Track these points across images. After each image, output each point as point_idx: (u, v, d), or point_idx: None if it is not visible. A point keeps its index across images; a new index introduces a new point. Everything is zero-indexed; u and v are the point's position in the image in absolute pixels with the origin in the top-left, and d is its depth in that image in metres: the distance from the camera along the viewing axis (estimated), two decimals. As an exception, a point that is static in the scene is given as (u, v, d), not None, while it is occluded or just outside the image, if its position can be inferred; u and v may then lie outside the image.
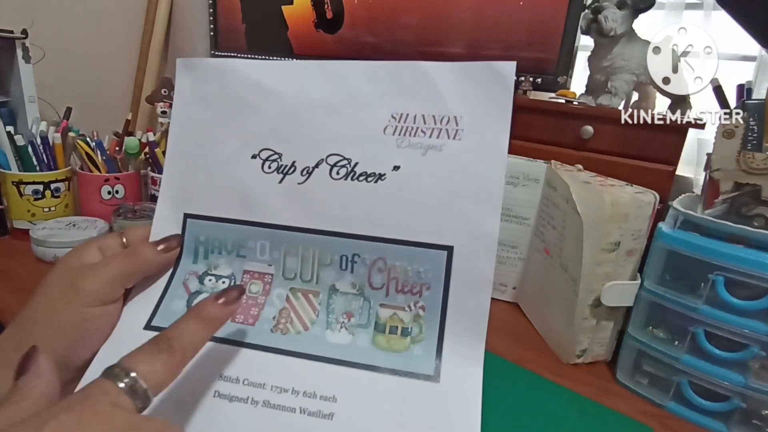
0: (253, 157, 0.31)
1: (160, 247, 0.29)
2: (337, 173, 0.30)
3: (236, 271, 0.30)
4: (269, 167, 0.31)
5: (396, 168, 0.29)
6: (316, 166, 0.30)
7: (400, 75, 0.30)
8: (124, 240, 0.31)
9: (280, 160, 0.31)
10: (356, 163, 0.30)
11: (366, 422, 0.25)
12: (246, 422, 0.25)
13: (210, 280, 0.30)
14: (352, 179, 0.30)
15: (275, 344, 0.28)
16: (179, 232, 0.31)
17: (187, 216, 0.31)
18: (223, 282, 0.30)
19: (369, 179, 0.29)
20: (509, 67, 0.28)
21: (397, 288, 0.29)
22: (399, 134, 0.30)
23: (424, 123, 0.29)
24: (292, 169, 0.31)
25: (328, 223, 0.30)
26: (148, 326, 0.29)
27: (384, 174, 0.29)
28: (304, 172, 0.30)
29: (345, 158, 0.30)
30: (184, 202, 0.32)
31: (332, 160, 0.30)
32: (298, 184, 0.30)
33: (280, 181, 0.30)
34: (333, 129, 0.30)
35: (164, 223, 0.31)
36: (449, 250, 0.28)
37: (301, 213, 0.30)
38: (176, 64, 0.34)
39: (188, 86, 0.33)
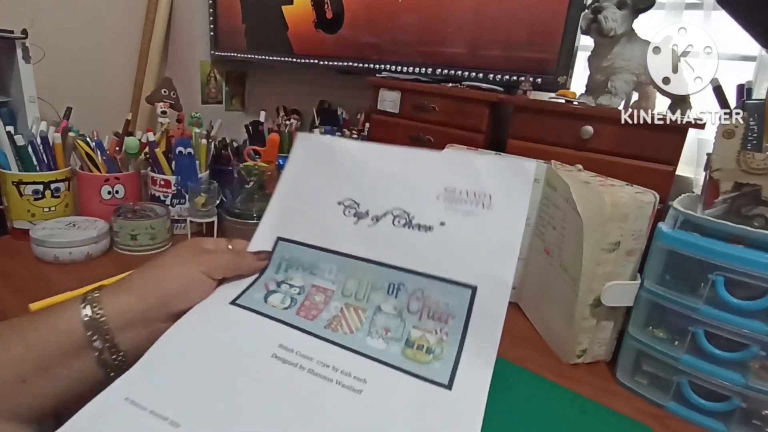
0: (339, 203, 0.42)
1: (256, 256, 0.41)
2: (398, 222, 0.40)
3: (306, 285, 0.39)
4: (349, 212, 0.41)
5: (442, 224, 0.39)
6: (384, 215, 0.40)
7: (455, 162, 0.41)
8: (230, 246, 0.42)
9: (358, 208, 0.41)
10: (413, 217, 0.39)
11: (387, 402, 0.31)
12: (292, 380, 0.31)
13: (284, 286, 0.39)
14: (408, 228, 0.39)
15: (326, 336, 0.35)
16: (270, 250, 0.41)
17: (279, 239, 0.42)
18: (295, 290, 0.39)
19: (421, 229, 0.39)
20: (532, 165, 0.38)
21: (428, 314, 0.36)
22: (447, 201, 0.39)
23: (467, 196, 0.39)
24: (366, 215, 0.41)
25: (385, 257, 0.38)
26: (233, 302, 0.37)
27: (432, 227, 0.39)
28: (374, 219, 0.40)
29: (406, 213, 0.40)
30: (279, 228, 0.43)
31: (396, 212, 0.40)
32: (368, 226, 0.40)
33: (355, 223, 0.41)
34: (401, 192, 0.41)
35: (262, 240, 0.42)
36: (473, 289, 0.36)
37: (367, 247, 0.39)
38: (297, 136, 0.47)
39: (302, 150, 0.46)
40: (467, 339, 0.34)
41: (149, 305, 0.35)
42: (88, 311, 0.33)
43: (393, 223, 0.40)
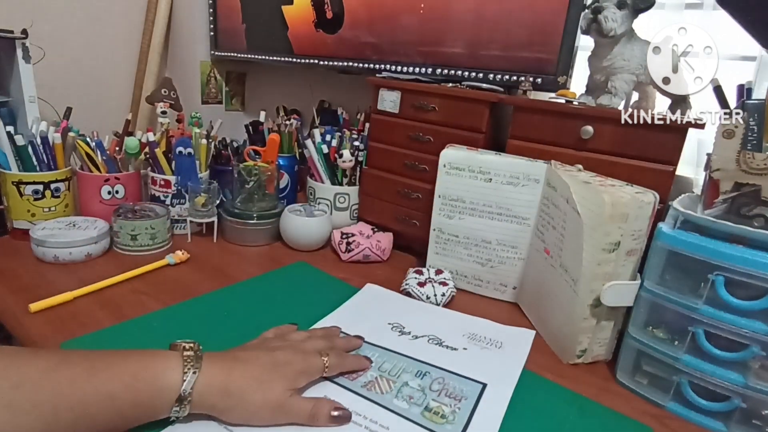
0: (389, 324, 0.57)
1: (336, 413, 0.41)
2: (431, 342, 0.54)
3: None
4: (395, 330, 0.56)
5: (465, 349, 0.53)
6: (422, 336, 0.55)
7: (479, 323, 0.60)
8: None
9: (403, 329, 0.56)
10: (444, 341, 0.54)
11: None
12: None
13: None
14: (439, 347, 0.53)
15: (362, 392, 0.44)
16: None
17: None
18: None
19: (448, 348, 0.53)
20: (532, 333, 0.58)
21: (446, 394, 0.45)
22: (470, 339, 0.55)
23: (485, 339, 0.56)
24: (408, 334, 0.55)
25: (418, 356, 0.50)
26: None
27: (457, 348, 0.53)
28: (413, 337, 0.55)
29: (439, 338, 0.55)
30: (342, 326, 0.55)
31: (431, 336, 0.55)
32: (408, 340, 0.54)
33: (398, 336, 0.54)
34: (438, 328, 0.57)
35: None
36: (484, 385, 0.46)
37: (404, 348, 0.52)
38: (366, 287, 0.66)
39: (367, 292, 0.65)
40: (476, 414, 0.42)
41: (228, 408, 0.38)
42: (187, 385, 0.36)
43: (428, 341, 0.54)
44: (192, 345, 0.39)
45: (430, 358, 0.50)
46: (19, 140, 0.69)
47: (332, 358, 0.45)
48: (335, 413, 0.40)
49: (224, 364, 0.39)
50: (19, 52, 0.90)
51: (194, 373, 0.37)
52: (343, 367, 0.46)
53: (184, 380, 0.36)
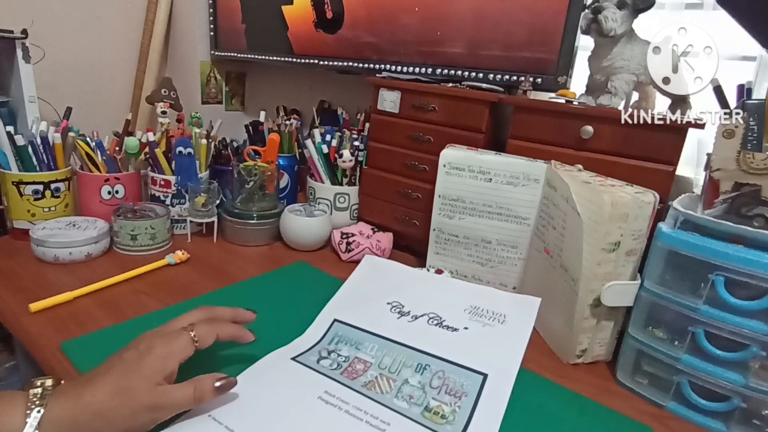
0: (388, 303, 0.54)
1: (218, 383, 0.39)
2: (431, 322, 0.51)
3: (351, 356, 0.49)
4: (394, 310, 0.53)
5: (465, 328, 0.50)
6: (421, 316, 0.52)
7: (482, 291, 0.55)
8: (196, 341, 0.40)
9: (402, 309, 0.54)
10: (444, 320, 0.51)
11: None
12: (331, 416, 0.40)
13: (333, 355, 0.49)
14: (439, 327, 0.51)
15: (362, 390, 0.44)
16: (327, 328, 0.52)
17: (335, 320, 0.53)
18: (342, 358, 0.48)
19: (449, 329, 0.50)
20: (537, 300, 0.51)
21: (446, 391, 0.44)
22: (472, 314, 0.52)
23: (487, 313, 0.52)
24: (407, 314, 0.53)
25: (417, 343, 0.48)
26: (293, 358, 0.47)
27: (458, 329, 0.50)
28: (413, 318, 0.52)
29: (439, 316, 0.52)
30: (337, 313, 0.54)
31: (432, 315, 0.52)
32: (408, 322, 0.52)
33: (398, 318, 0.52)
34: (438, 304, 0.54)
35: (321, 321, 0.53)
36: (485, 376, 0.45)
37: (404, 335, 0.50)
38: (364, 257, 0.63)
39: (367, 265, 0.62)
40: (476, 413, 0.42)
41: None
42: (29, 428, 0.32)
43: (428, 322, 0.51)
44: (45, 381, 0.35)
45: (430, 345, 0.48)
46: (19, 140, 0.69)
47: (200, 328, 0.40)
48: (218, 384, 0.38)
49: (74, 391, 0.35)
50: (19, 52, 0.90)
51: (39, 411, 0.33)
52: (217, 335, 0.41)
53: (27, 422, 0.32)
